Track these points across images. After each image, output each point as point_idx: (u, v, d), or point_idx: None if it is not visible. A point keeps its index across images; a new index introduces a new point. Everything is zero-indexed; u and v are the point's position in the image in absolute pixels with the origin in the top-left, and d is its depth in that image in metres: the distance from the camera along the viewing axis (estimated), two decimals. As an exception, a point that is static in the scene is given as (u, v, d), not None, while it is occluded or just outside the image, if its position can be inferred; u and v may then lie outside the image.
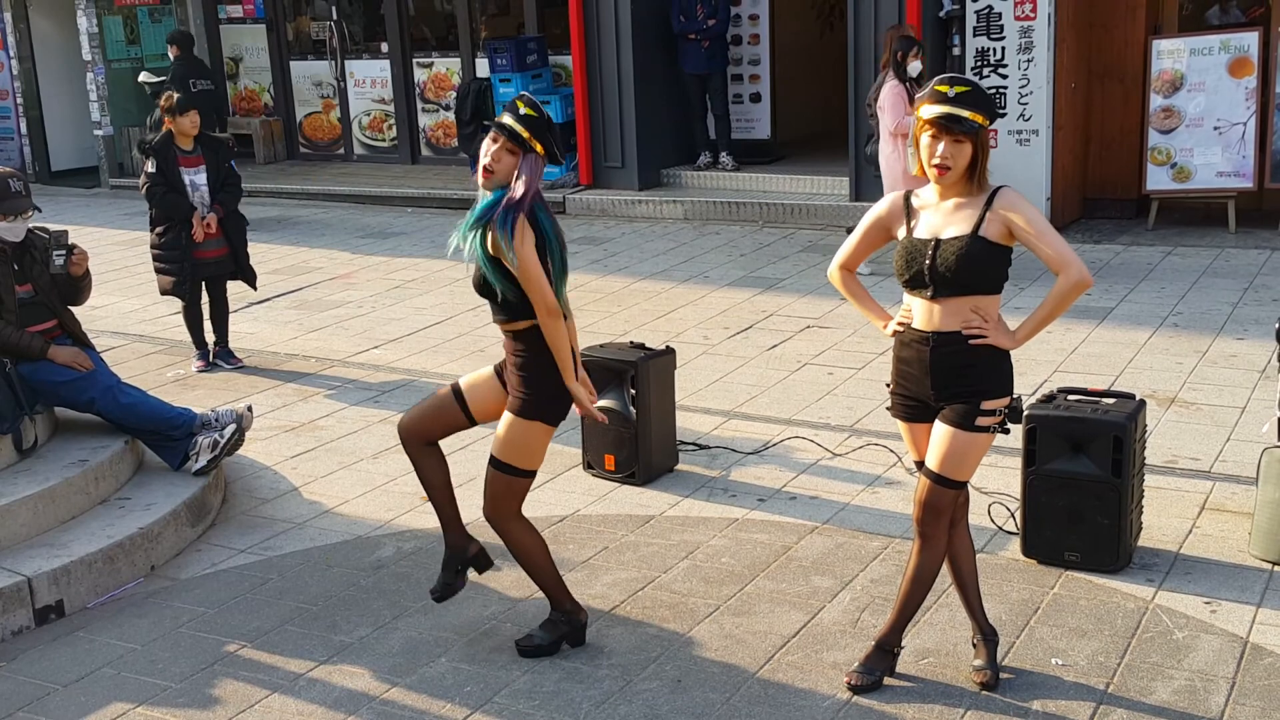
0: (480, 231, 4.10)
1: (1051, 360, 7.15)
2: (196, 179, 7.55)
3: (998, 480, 5.49)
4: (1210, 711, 3.84)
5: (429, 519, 5.52)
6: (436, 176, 13.80)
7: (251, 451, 6.27)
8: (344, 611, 4.75)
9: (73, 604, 4.87)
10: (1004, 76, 10.13)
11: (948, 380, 3.85)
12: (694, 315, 8.50)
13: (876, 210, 4.03)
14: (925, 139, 3.76)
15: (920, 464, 4.01)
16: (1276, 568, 4.69)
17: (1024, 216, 3.76)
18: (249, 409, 5.93)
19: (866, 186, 10.79)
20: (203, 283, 7.68)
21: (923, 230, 3.86)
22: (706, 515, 5.35)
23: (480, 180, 4.13)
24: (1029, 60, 10.04)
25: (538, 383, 4.15)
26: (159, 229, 7.53)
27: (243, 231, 7.81)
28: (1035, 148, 10.09)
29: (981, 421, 3.83)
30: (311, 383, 7.52)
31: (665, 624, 4.53)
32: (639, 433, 5.72)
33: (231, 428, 5.74)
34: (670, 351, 6.00)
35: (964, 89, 3.72)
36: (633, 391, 5.74)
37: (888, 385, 4.10)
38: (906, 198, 3.96)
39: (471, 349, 8.03)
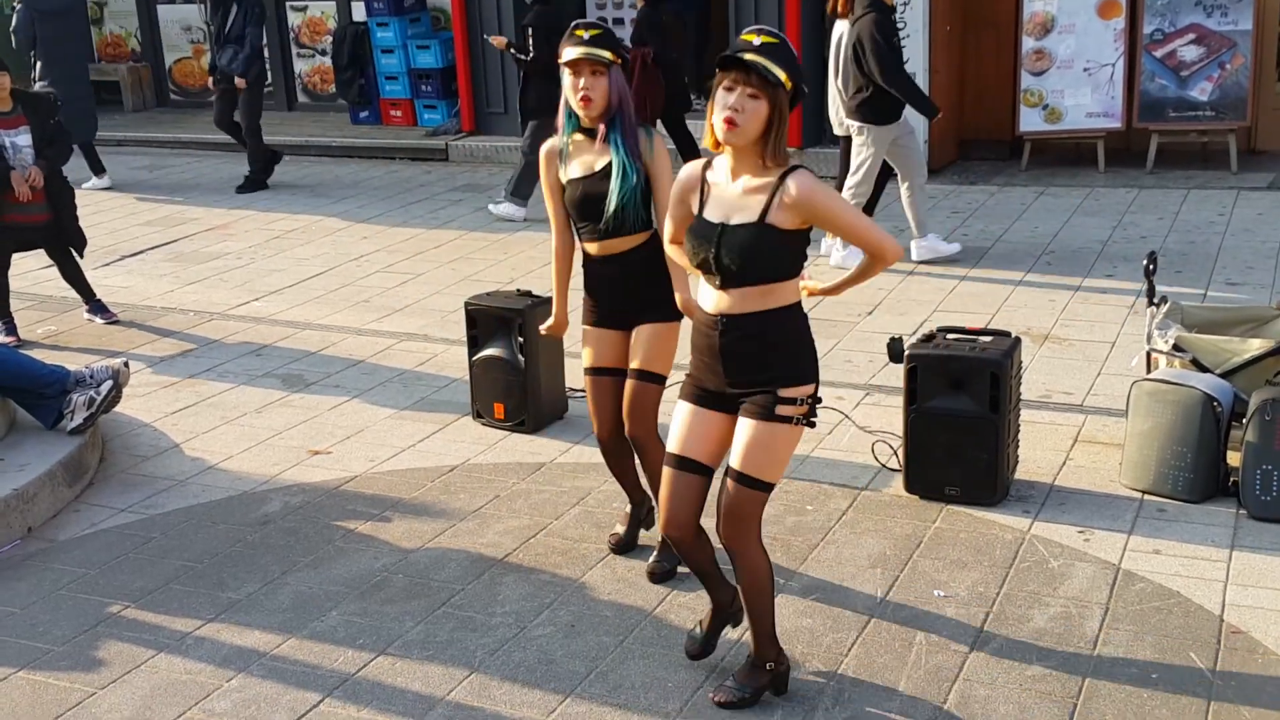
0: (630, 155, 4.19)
1: (931, 300, 7.31)
2: (18, 140, 7.17)
3: (881, 419, 5.61)
4: (1085, 636, 3.99)
5: (315, 473, 5.47)
6: (315, 124, 13.50)
7: (129, 408, 6.12)
8: (231, 568, 4.69)
9: (-54, 570, 4.74)
10: (882, 20, 10.22)
11: (741, 367, 3.54)
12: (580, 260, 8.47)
13: (679, 181, 3.65)
14: (720, 91, 3.37)
15: (680, 459, 3.65)
16: (1146, 496, 4.88)
17: (821, 206, 3.41)
18: (125, 364, 5.78)
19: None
20: (14, 250, 7.31)
21: (712, 211, 3.51)
22: (597, 461, 5.36)
23: (583, 112, 4.17)
24: (904, 4, 10.13)
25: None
26: None
27: (69, 195, 7.41)
28: (913, 91, 10.21)
29: (782, 410, 3.50)
30: (190, 337, 7.36)
31: (558, 570, 4.56)
32: (528, 381, 5.72)
33: (108, 384, 5.59)
34: (557, 298, 5.98)
35: (772, 40, 3.36)
36: (520, 339, 5.73)
37: (690, 376, 3.73)
38: (705, 168, 3.58)
39: (355, 299, 7.92)
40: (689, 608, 4.25)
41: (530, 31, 9.43)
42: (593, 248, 4.33)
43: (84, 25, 11.91)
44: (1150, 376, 5.03)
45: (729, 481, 3.59)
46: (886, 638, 4.04)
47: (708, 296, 3.58)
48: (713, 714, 3.70)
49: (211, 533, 4.98)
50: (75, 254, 7.52)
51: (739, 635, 4.04)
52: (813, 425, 3.62)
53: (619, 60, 4.17)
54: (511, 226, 9.50)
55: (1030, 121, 10.37)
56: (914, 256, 7.94)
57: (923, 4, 10.12)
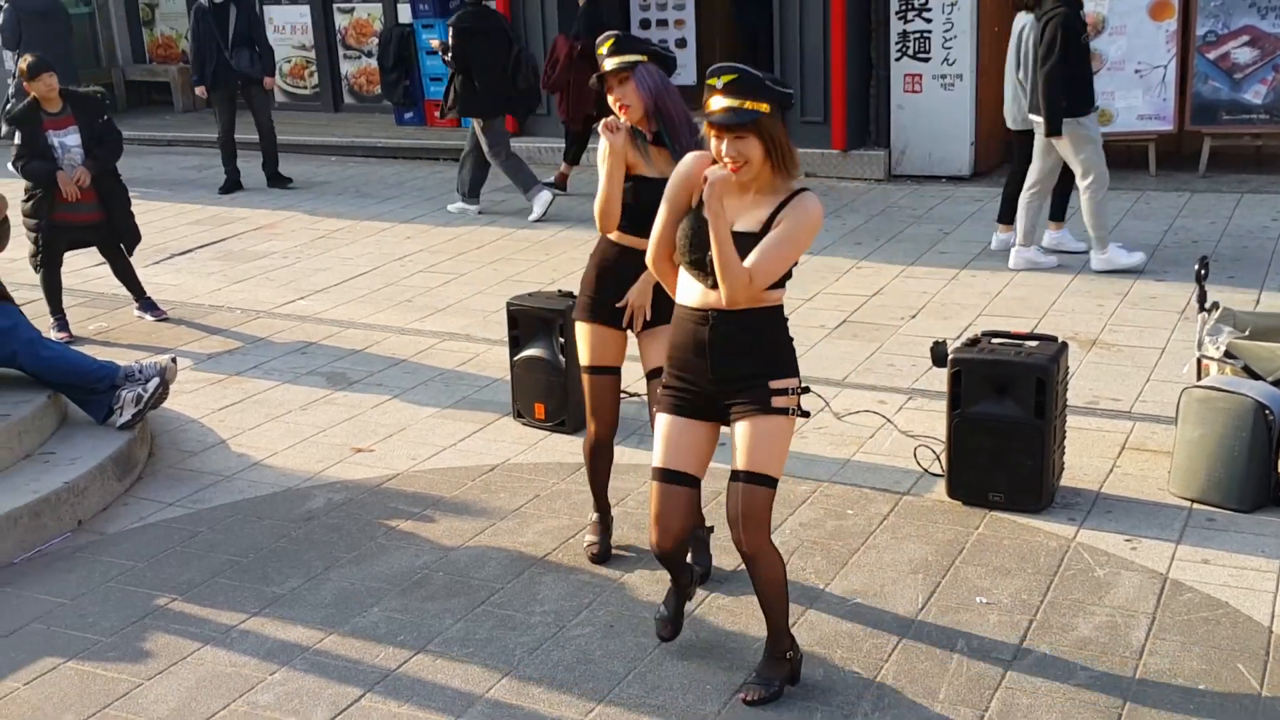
0: None
1: (976, 304, 7.25)
2: (67, 140, 7.25)
3: (923, 423, 5.57)
4: (1131, 646, 3.94)
5: (358, 470, 5.51)
6: (360, 124, 13.59)
7: (178, 404, 6.19)
8: (275, 563, 4.73)
9: (-2, 560, 4.81)
10: (928, 20, 10.17)
11: (729, 362, 3.57)
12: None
13: (683, 170, 3.66)
14: (712, 142, 3.48)
15: (668, 472, 3.66)
16: (1195, 505, 4.81)
17: (791, 221, 3.46)
18: (173, 360, 5.85)
19: (791, 133, 10.75)
20: (66, 249, 7.41)
21: None
22: (636, 462, 5.37)
23: (626, 118, 4.17)
24: (952, 4, 10.08)
25: None
26: (24, 197, 7.28)
27: (121, 193, 7.48)
28: (959, 92, 10.17)
29: (777, 402, 3.56)
30: (237, 334, 7.43)
31: (597, 570, 4.56)
32: (568, 381, 5.72)
33: (155, 381, 5.66)
34: (600, 299, 5.99)
35: (731, 76, 3.43)
36: (561, 340, 5.73)
37: (651, 377, 3.79)
38: (714, 162, 3.55)
39: (399, 299, 7.97)
40: (728, 610, 4.24)
41: (451, 32, 9.64)
42: (627, 240, 4.30)
43: (66, 25, 12.18)
44: (1201, 383, 4.97)
45: (740, 486, 3.59)
46: (927, 644, 4.01)
47: (693, 291, 3.60)
48: (750, 717, 3.69)
49: (257, 528, 5.02)
50: (126, 251, 7.61)
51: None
52: (807, 415, 3.70)
53: (645, 58, 4.16)
54: (553, 227, 9.50)
55: (1079, 124, 10.24)
56: (1010, 265, 7.88)
57: (970, 4, 10.04)
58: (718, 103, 3.44)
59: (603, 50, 4.19)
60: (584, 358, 4.44)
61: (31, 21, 11.57)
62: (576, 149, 10.68)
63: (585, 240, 8.96)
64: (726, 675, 3.88)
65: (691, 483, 3.69)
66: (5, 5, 11.85)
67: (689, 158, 3.68)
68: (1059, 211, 8.16)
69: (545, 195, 9.77)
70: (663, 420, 3.71)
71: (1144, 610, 4.14)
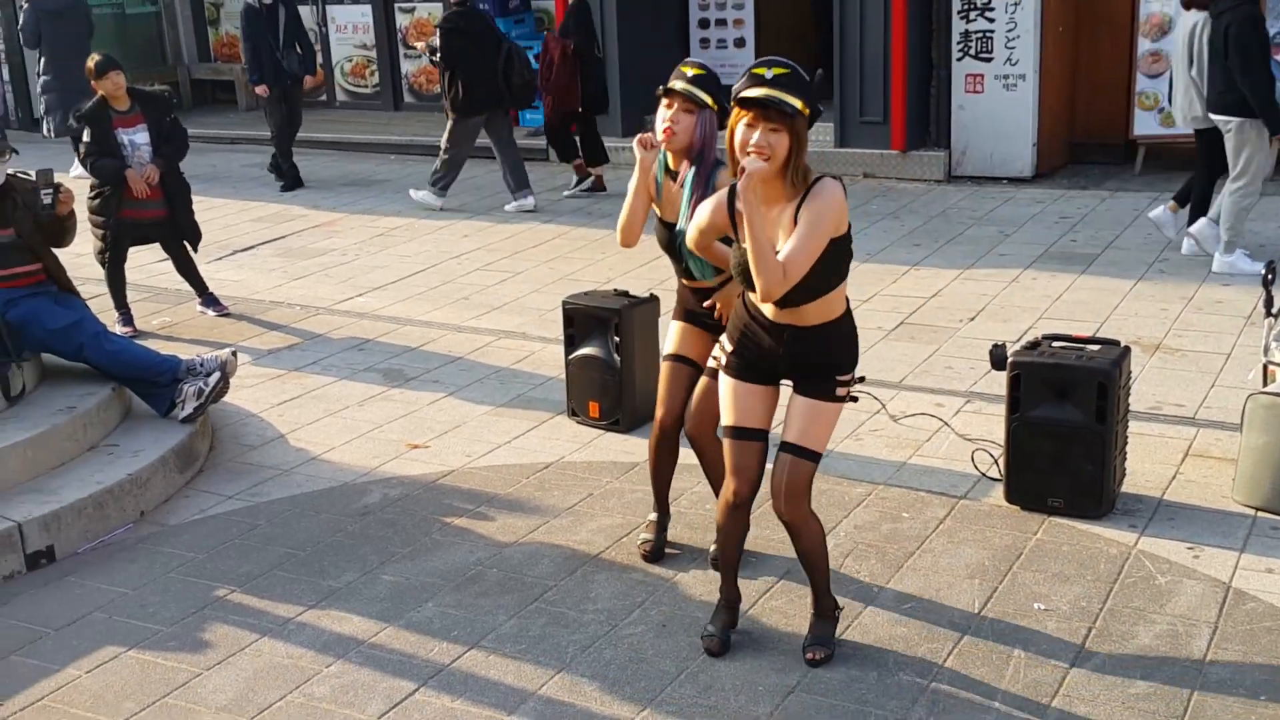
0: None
1: (1036, 307, 7.17)
2: (136, 138, 7.35)
3: (981, 427, 5.52)
4: (1192, 655, 3.88)
5: (413, 466, 5.54)
6: (420, 123, 13.66)
7: (238, 398, 6.26)
8: (332, 557, 4.77)
9: (63, 549, 4.88)
10: (991, 20, 10.08)
11: (803, 363, 3.76)
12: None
13: (708, 210, 3.83)
14: (740, 127, 3.51)
15: (740, 429, 3.83)
16: (1259, 513, 4.73)
17: (811, 211, 3.53)
18: (233, 354, 5.92)
19: (851, 133, 10.74)
20: (131, 245, 7.52)
21: None
22: (690, 462, 5.34)
23: (663, 140, 4.24)
24: (1016, 4, 9.98)
25: None
26: (91, 193, 7.39)
27: (185, 191, 7.58)
28: (1022, 92, 10.06)
29: (840, 391, 3.76)
30: (296, 331, 7.50)
31: (650, 569, 4.56)
32: (623, 380, 5.73)
33: (216, 375, 5.73)
34: (654, 299, 5.99)
35: (783, 71, 3.51)
36: (616, 339, 5.74)
37: (717, 342, 3.97)
38: (730, 202, 3.70)
39: (456, 296, 8.01)
40: (781, 611, 4.22)
41: (439, 33, 9.80)
42: (688, 281, 4.47)
43: (88, 24, 12.32)
44: (1267, 390, 4.87)
45: (789, 458, 3.76)
46: (984, 649, 3.97)
47: (765, 304, 3.71)
48: (802, 718, 3.68)
49: (314, 522, 5.07)
50: (190, 248, 7.72)
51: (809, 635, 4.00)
52: (855, 400, 3.91)
53: (716, 108, 4.21)
54: (609, 227, 9.50)
55: (1145, 125, 10.12)
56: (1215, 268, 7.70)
57: (1034, 3, 9.93)
58: (762, 92, 3.48)
59: (686, 71, 4.23)
60: (667, 347, 4.56)
61: (52, 21, 11.75)
62: (585, 149, 10.62)
63: (641, 239, 8.95)
64: (779, 676, 3.87)
65: (761, 436, 3.86)
66: (25, 5, 12.04)
67: (712, 200, 3.83)
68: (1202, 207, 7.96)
69: (438, 202, 10.22)
70: (729, 384, 3.86)
71: (1206, 620, 4.07)
